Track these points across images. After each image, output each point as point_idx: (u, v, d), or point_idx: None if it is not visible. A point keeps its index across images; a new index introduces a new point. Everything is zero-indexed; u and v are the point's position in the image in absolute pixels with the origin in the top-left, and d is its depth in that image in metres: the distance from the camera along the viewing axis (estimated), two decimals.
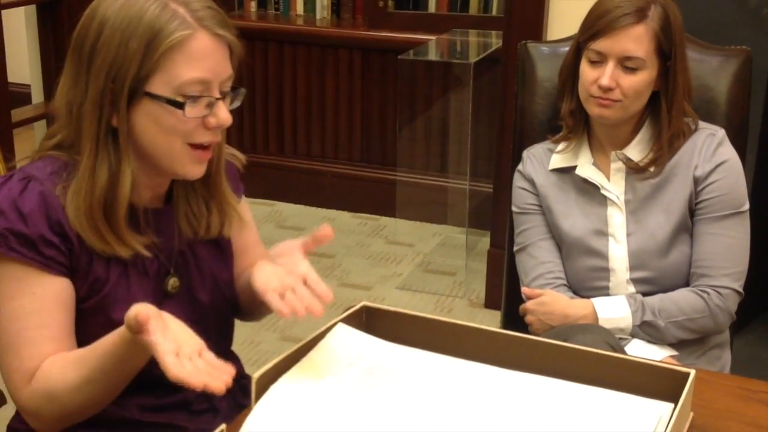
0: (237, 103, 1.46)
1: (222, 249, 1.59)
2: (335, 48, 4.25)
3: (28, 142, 4.60)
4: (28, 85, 4.51)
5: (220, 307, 1.58)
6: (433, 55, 4.00)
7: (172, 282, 1.50)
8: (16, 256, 1.36)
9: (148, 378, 1.37)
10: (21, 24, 4.43)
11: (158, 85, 1.36)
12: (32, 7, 4.26)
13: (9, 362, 1.39)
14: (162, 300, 1.48)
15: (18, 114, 4.11)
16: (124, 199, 1.40)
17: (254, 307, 1.62)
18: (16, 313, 1.37)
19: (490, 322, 3.25)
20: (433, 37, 3.99)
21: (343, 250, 3.98)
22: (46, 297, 1.37)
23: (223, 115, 1.41)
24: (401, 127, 4.13)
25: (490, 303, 3.49)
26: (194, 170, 1.44)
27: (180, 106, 1.36)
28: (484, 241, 3.74)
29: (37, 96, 4.34)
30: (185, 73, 1.36)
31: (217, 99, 1.40)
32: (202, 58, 1.37)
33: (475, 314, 3.46)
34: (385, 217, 4.28)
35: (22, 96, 4.62)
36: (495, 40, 3.90)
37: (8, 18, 4.01)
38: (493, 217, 3.46)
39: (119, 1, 1.37)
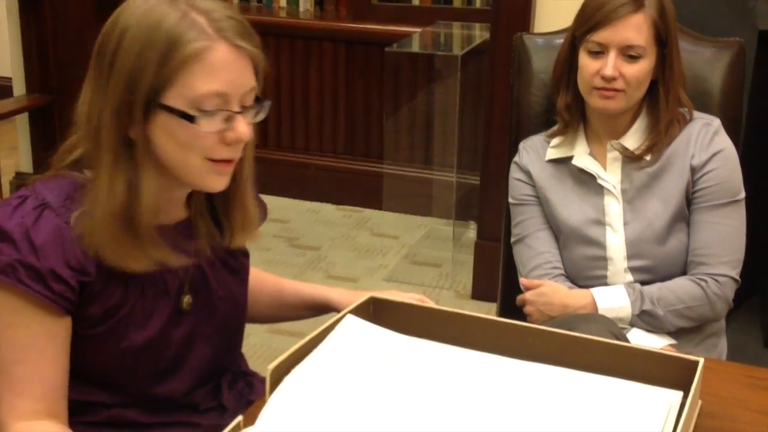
0: (262, 116, 1.38)
1: (239, 265, 1.57)
2: (319, 40, 4.25)
3: (9, 135, 4.58)
4: (10, 78, 4.46)
5: (234, 320, 1.57)
6: (418, 48, 4.00)
7: (186, 299, 1.46)
8: (23, 289, 1.31)
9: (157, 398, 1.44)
10: (2, 16, 4.38)
11: (173, 98, 1.29)
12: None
13: (1, 392, 1.35)
14: (178, 317, 1.46)
15: None
16: (147, 212, 1.34)
17: (288, 315, 1.78)
18: (11, 344, 1.33)
19: (478, 313, 3.26)
20: (418, 30, 3.99)
21: (329, 243, 3.98)
22: (39, 335, 1.33)
23: (242, 129, 1.33)
24: (387, 119, 4.14)
25: (476, 294, 3.51)
26: (215, 183, 1.37)
27: (191, 119, 1.30)
28: (470, 233, 3.74)
29: (19, 89, 4.29)
30: (202, 86, 1.29)
31: (237, 113, 1.33)
32: (220, 70, 1.30)
33: (462, 305, 3.47)
34: (370, 209, 4.28)
35: (3, 89, 4.59)
36: (479, 32, 3.91)
37: None
38: (480, 208, 3.47)
39: (141, 8, 1.30)
